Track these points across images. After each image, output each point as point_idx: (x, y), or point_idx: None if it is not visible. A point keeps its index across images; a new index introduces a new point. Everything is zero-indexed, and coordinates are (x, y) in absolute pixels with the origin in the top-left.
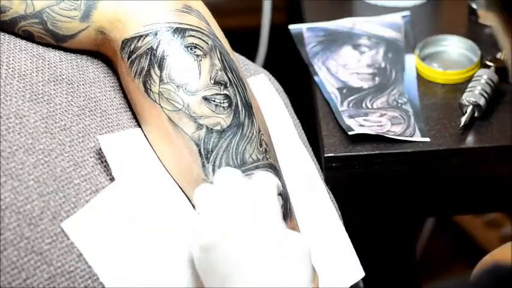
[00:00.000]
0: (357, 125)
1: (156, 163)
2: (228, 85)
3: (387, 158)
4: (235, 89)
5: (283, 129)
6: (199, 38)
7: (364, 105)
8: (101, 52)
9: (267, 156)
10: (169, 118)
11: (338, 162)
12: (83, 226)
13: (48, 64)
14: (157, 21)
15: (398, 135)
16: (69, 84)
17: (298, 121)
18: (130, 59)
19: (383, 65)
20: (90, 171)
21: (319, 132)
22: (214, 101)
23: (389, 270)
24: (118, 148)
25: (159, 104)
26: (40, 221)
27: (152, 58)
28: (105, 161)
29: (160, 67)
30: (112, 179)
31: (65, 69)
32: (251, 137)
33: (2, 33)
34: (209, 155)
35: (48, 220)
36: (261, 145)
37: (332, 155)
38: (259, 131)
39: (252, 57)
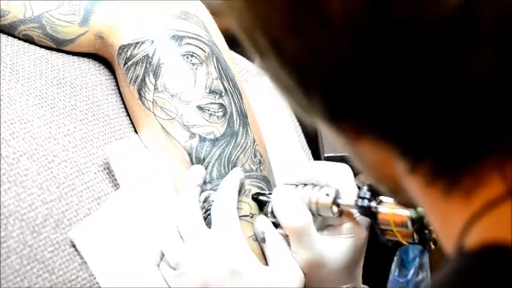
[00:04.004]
0: None
1: (157, 170)
2: (223, 94)
3: None
4: (231, 98)
5: (282, 133)
6: (196, 46)
7: None
8: (102, 55)
9: (261, 167)
10: (163, 126)
11: (338, 162)
12: (88, 235)
13: (51, 67)
14: (154, 28)
15: None
16: (72, 88)
17: (298, 124)
18: (126, 66)
19: None
20: (92, 178)
21: (319, 132)
22: (208, 110)
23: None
24: (123, 156)
25: (153, 112)
26: (43, 228)
27: (148, 66)
28: (108, 168)
29: (156, 75)
30: (114, 186)
31: (68, 72)
32: (245, 146)
33: (5, 36)
34: (201, 164)
35: (51, 228)
36: (255, 156)
37: (332, 154)
38: (254, 141)
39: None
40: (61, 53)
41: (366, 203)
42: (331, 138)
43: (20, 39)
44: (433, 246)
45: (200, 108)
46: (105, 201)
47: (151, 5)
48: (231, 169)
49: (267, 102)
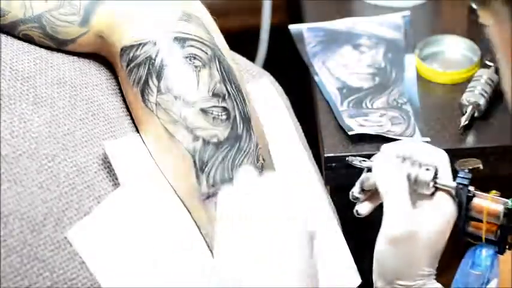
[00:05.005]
0: (357, 125)
1: (158, 170)
2: (226, 97)
3: None
4: (234, 102)
5: (284, 133)
6: (199, 48)
7: (364, 105)
8: (102, 55)
9: (263, 172)
10: (166, 129)
11: (338, 162)
12: (86, 234)
13: (51, 66)
14: (156, 29)
15: (398, 135)
16: (72, 87)
17: (298, 124)
18: (129, 67)
19: (383, 65)
20: (93, 177)
21: (319, 132)
22: (212, 113)
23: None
24: (123, 154)
25: (156, 115)
26: (43, 227)
27: (150, 67)
28: (108, 167)
29: (159, 77)
30: (114, 185)
31: (68, 72)
32: (248, 151)
33: (5, 35)
34: (204, 167)
35: (51, 227)
36: (257, 160)
37: (332, 155)
38: (257, 145)
39: (252, 57)
40: (61, 53)
41: (466, 184)
42: (331, 139)
43: (20, 38)
44: (507, 251)
45: (203, 111)
46: (104, 200)
47: (152, 6)
48: (235, 173)
49: (267, 102)
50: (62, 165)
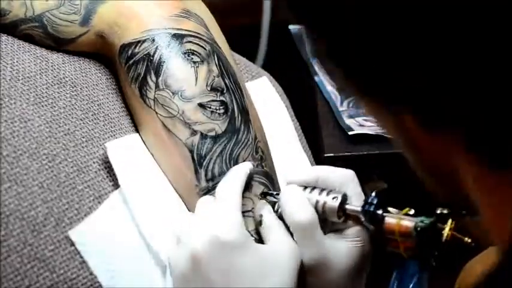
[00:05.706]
0: (356, 125)
1: (158, 169)
2: (224, 91)
3: (387, 158)
4: (232, 96)
5: (283, 133)
6: (197, 44)
7: None
8: (102, 55)
9: (263, 164)
10: (164, 124)
11: (338, 162)
12: (88, 234)
13: (51, 66)
14: (155, 27)
15: None
16: (72, 87)
17: (298, 124)
18: (128, 65)
19: None
20: (93, 177)
21: (319, 132)
22: (210, 107)
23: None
24: (123, 155)
25: (154, 110)
26: (43, 227)
27: (149, 64)
28: (109, 167)
29: (157, 73)
30: (115, 185)
31: (68, 72)
32: (246, 142)
33: (5, 34)
34: (202, 161)
35: (51, 227)
36: (256, 152)
37: (332, 154)
38: (256, 138)
39: (252, 57)
40: (61, 52)
41: (372, 208)
42: (331, 139)
43: (20, 38)
44: (433, 264)
45: (201, 105)
46: (105, 200)
47: (152, 4)
48: (233, 166)
49: (266, 102)
50: (63, 165)
